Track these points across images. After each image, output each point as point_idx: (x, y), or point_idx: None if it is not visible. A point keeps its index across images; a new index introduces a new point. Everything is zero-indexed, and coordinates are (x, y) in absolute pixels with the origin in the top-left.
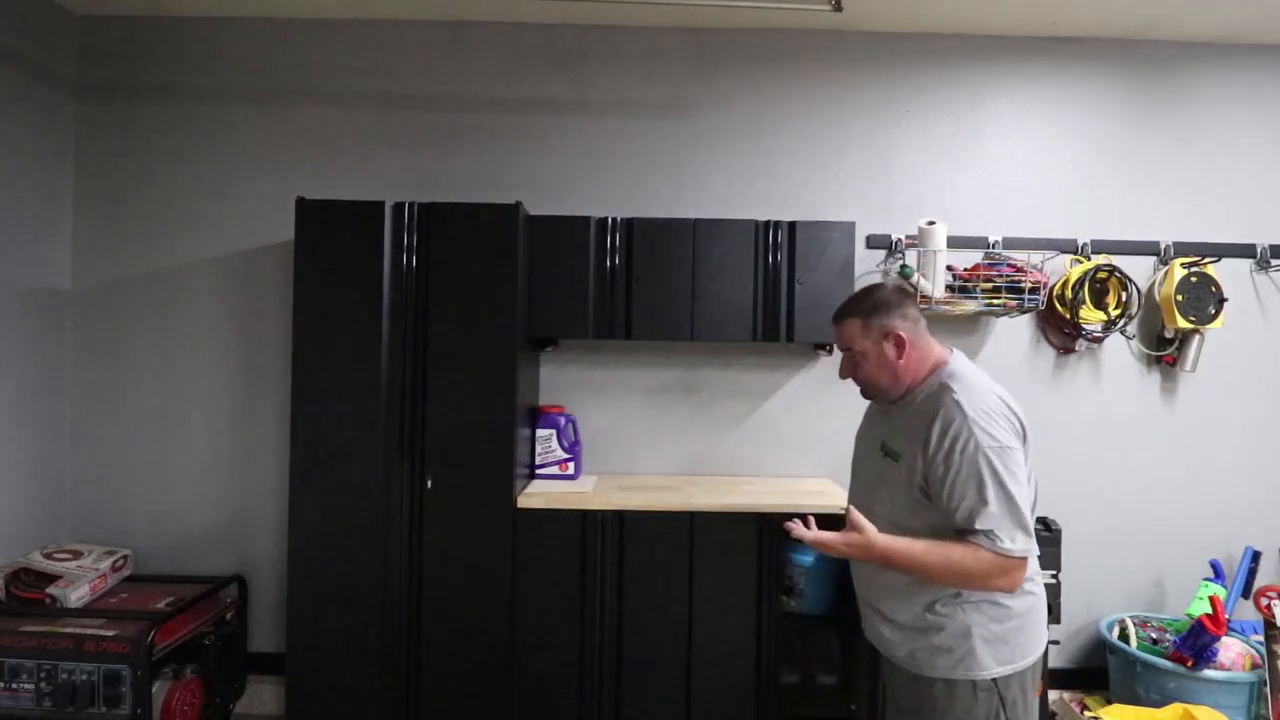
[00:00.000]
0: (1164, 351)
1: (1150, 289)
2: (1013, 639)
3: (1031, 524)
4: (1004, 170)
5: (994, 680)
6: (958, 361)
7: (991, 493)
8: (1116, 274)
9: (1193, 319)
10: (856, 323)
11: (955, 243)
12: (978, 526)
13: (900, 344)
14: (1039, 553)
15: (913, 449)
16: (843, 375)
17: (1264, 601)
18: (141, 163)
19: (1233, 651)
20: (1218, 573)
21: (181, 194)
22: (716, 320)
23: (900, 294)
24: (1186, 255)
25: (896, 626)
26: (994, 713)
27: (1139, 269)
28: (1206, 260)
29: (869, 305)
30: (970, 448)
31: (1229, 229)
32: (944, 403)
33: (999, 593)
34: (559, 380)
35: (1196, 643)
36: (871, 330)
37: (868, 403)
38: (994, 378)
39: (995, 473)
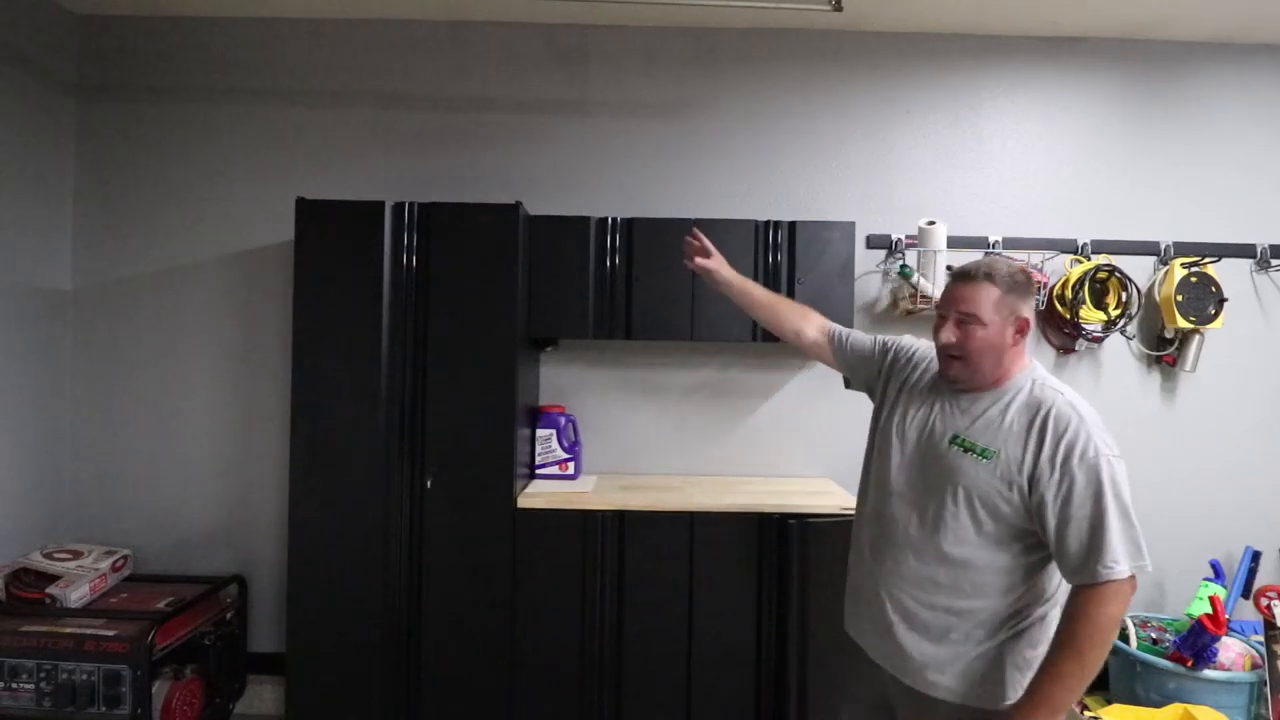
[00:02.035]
0: (1164, 351)
1: (1150, 289)
2: (1036, 665)
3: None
4: (1004, 170)
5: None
6: (1042, 368)
7: (1112, 512)
8: (1116, 274)
9: (1193, 319)
10: (996, 291)
11: (955, 243)
12: (1105, 555)
13: (1021, 331)
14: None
15: (1014, 445)
16: (944, 338)
17: (1264, 601)
18: (141, 163)
19: (1233, 651)
20: (1218, 573)
21: (181, 194)
22: (716, 320)
23: (1032, 279)
24: (1186, 255)
25: (919, 631)
26: None
27: (1139, 269)
28: (1206, 260)
29: (1013, 280)
30: (1091, 454)
31: (1229, 229)
32: (1053, 403)
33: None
34: (559, 380)
35: (1196, 643)
36: (1005, 305)
37: (927, 390)
38: None
39: (1115, 484)
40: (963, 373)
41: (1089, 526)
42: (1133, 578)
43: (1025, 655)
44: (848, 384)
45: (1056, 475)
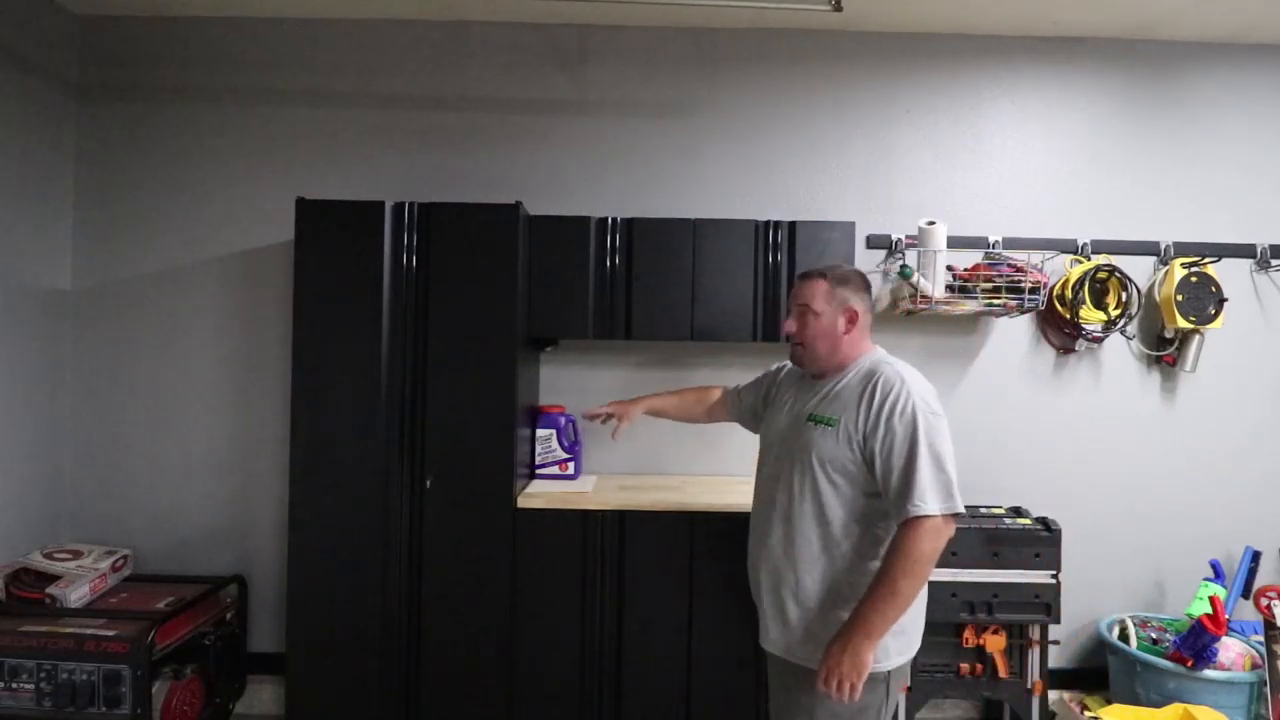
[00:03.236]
0: (1164, 351)
1: (1150, 289)
2: (909, 629)
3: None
4: (1004, 170)
5: (888, 673)
6: (884, 352)
7: (924, 457)
8: (1116, 274)
9: (1193, 319)
10: (824, 285)
11: (955, 243)
12: (913, 494)
13: (851, 320)
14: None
15: (850, 411)
16: (787, 330)
17: (1264, 601)
18: (141, 163)
19: (1233, 651)
20: (1218, 573)
21: (181, 194)
22: (716, 320)
23: (866, 280)
24: (1186, 255)
25: (802, 608)
26: (878, 708)
27: (1139, 269)
28: (1206, 260)
29: (839, 275)
30: (909, 411)
31: (1229, 229)
32: (882, 372)
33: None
34: (559, 380)
35: (1196, 643)
36: (835, 297)
37: (790, 387)
38: (994, 378)
39: (930, 435)
40: (804, 357)
41: (903, 470)
42: (946, 519)
43: (900, 618)
44: (755, 429)
45: (881, 429)
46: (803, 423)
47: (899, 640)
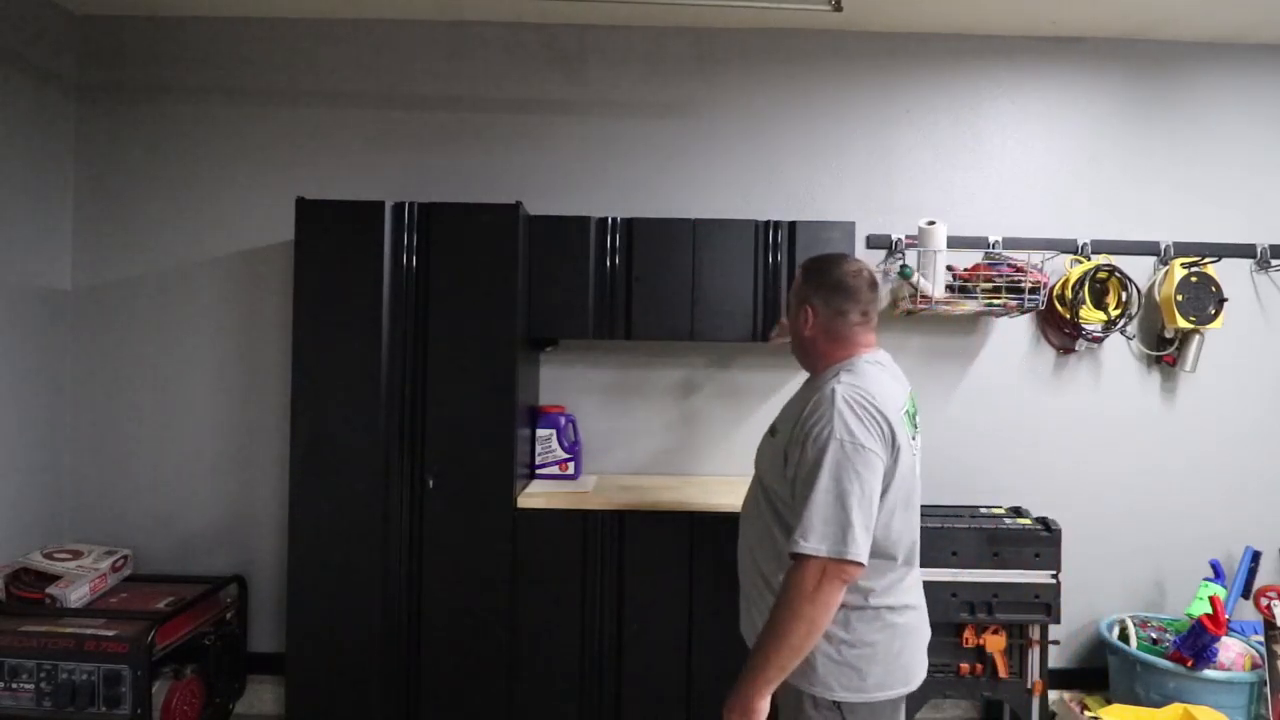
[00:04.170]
0: (1164, 351)
1: (1150, 289)
2: (864, 668)
3: (871, 533)
4: (1004, 170)
5: (837, 704)
6: (872, 358)
7: (821, 491)
8: (1116, 274)
9: (1193, 319)
10: (799, 276)
11: (955, 243)
12: (799, 527)
13: (807, 318)
14: (866, 562)
15: (788, 424)
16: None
17: (1264, 601)
18: (141, 163)
19: (1233, 651)
20: (1218, 573)
21: (181, 194)
22: (716, 320)
23: (845, 285)
24: (1186, 255)
25: (754, 608)
26: None
27: (1139, 269)
28: (1206, 260)
29: (813, 268)
30: (824, 436)
31: (1229, 229)
32: (830, 386)
33: (835, 615)
34: (559, 380)
35: (1196, 643)
36: (798, 293)
37: None
38: (994, 378)
39: (837, 467)
40: (792, 350)
41: (801, 499)
42: (834, 563)
43: (832, 653)
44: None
45: (798, 451)
46: (768, 428)
47: (844, 674)
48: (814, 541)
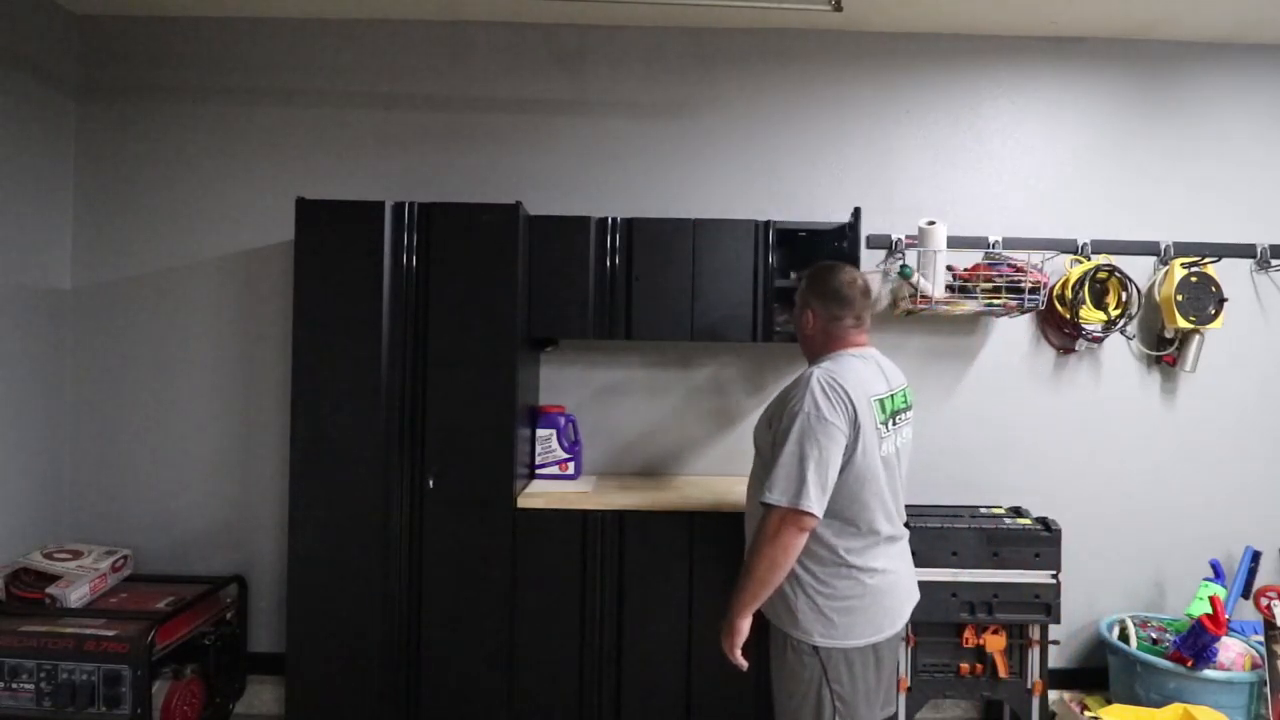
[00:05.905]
0: (1164, 351)
1: (1150, 289)
2: (837, 619)
3: (827, 492)
4: (1004, 170)
5: (815, 648)
6: (859, 353)
7: (789, 453)
8: (1116, 274)
9: (1193, 319)
10: (803, 283)
11: (955, 243)
12: (769, 481)
13: (808, 320)
14: (820, 514)
15: (775, 404)
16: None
17: (1264, 601)
18: (141, 163)
19: (1233, 651)
20: (1218, 573)
21: (181, 194)
22: (716, 320)
23: (841, 293)
24: (1186, 255)
25: None
26: (817, 679)
27: (1139, 269)
28: (1206, 260)
29: (814, 273)
30: (796, 408)
31: (1229, 229)
32: (808, 374)
33: (809, 562)
34: (559, 380)
35: (1196, 643)
36: (802, 295)
37: None
38: (994, 378)
39: (802, 434)
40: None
41: (773, 459)
42: (791, 513)
43: (816, 601)
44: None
45: (779, 422)
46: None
47: (821, 621)
48: (777, 494)
